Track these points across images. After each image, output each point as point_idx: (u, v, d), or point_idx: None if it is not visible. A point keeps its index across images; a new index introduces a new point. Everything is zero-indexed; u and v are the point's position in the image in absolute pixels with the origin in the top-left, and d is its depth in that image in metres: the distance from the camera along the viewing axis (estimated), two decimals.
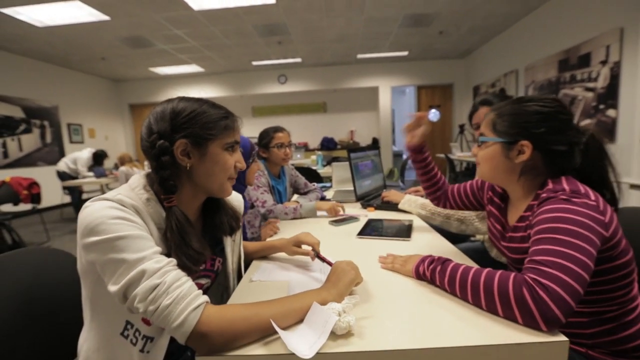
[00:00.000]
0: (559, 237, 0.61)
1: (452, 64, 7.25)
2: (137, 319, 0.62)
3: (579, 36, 3.76)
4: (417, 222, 1.36)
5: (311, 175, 3.14)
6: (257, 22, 4.65)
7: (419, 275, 0.77)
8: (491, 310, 0.60)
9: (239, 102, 7.96)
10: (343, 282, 0.67)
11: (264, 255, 1.03)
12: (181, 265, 0.60)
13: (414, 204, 1.48)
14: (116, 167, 5.20)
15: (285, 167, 1.97)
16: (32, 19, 4.12)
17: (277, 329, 0.54)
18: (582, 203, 0.65)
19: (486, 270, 0.64)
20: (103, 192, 4.43)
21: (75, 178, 5.07)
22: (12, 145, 5.37)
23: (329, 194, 2.12)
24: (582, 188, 0.69)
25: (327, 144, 7.79)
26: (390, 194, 1.66)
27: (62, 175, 5.09)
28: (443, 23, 5.02)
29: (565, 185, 0.70)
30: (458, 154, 5.57)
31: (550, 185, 0.72)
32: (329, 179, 3.07)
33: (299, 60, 6.79)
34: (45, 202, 4.43)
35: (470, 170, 5.45)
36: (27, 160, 5.61)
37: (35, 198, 3.86)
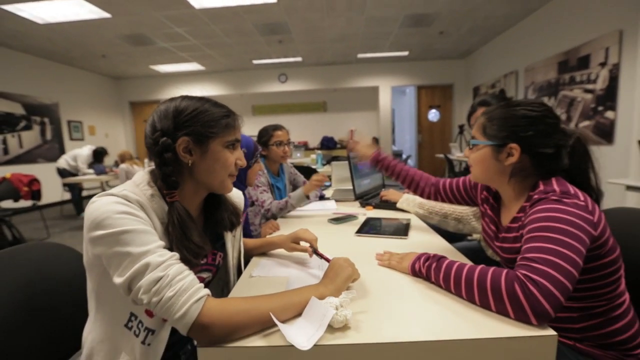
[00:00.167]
0: (550, 235, 0.63)
1: (453, 64, 7.27)
2: (141, 311, 0.64)
3: (579, 38, 3.78)
4: (415, 221, 1.38)
5: (311, 174, 3.15)
6: (258, 21, 4.66)
7: (415, 272, 0.79)
8: (484, 305, 0.62)
9: (239, 100, 7.97)
10: (340, 277, 0.69)
11: (264, 251, 1.04)
12: (183, 259, 0.62)
13: (412, 203, 1.50)
14: (116, 164, 5.22)
15: (284, 165, 1.99)
16: (33, 15, 4.13)
17: (276, 321, 0.56)
18: (572, 203, 0.67)
19: (480, 266, 0.66)
20: (103, 190, 4.45)
21: (75, 175, 5.09)
22: (12, 141, 5.38)
23: (328, 193, 2.14)
24: (572, 189, 0.71)
25: (327, 143, 7.81)
26: (388, 193, 1.67)
27: (62, 172, 5.10)
28: (443, 23, 5.03)
29: (556, 187, 0.72)
30: (457, 155, 5.59)
31: (541, 187, 0.75)
32: (329, 178, 3.09)
33: (299, 59, 6.80)
34: (45, 198, 4.44)
35: (469, 171, 5.46)
36: (27, 157, 5.62)
37: (36, 195, 3.87)
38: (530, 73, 4.74)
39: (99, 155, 5.24)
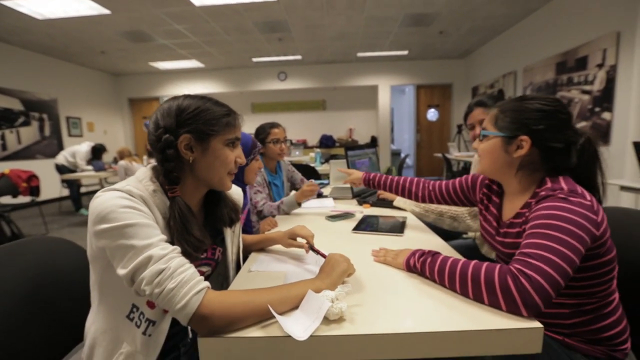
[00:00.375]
0: (550, 232, 0.65)
1: (452, 64, 7.29)
2: (142, 303, 0.66)
3: (577, 39, 3.80)
4: (411, 219, 1.40)
5: (309, 172, 3.18)
6: (258, 19, 4.66)
7: (410, 268, 0.81)
8: (477, 298, 0.64)
9: (238, 98, 7.97)
10: (336, 272, 0.71)
11: (262, 247, 1.07)
12: (183, 252, 0.64)
13: (408, 201, 1.52)
14: (115, 161, 5.22)
15: (281, 162, 2.01)
16: (32, 11, 4.12)
17: (274, 313, 0.58)
18: (578, 202, 0.68)
19: (474, 261, 0.68)
20: (102, 186, 4.45)
21: (74, 171, 5.09)
22: (10, 137, 5.38)
23: (326, 191, 2.16)
24: (579, 189, 0.72)
25: (326, 142, 7.82)
26: (385, 192, 1.69)
27: (61, 169, 5.10)
28: (443, 23, 5.05)
29: (564, 185, 0.74)
30: (455, 154, 5.61)
31: (548, 184, 0.76)
32: (327, 176, 3.11)
33: (299, 57, 6.80)
34: (44, 195, 4.45)
35: (467, 170, 5.50)
36: (25, 153, 5.62)
37: (34, 191, 3.87)
38: (529, 73, 4.77)
39: (97, 152, 5.24)
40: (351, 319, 0.61)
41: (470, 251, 1.43)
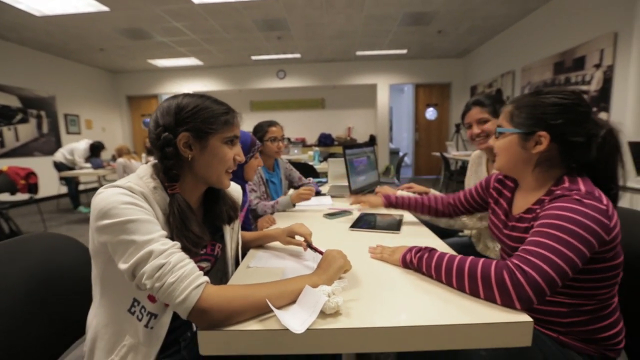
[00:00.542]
0: (555, 232, 0.65)
1: (450, 63, 7.30)
2: (143, 297, 0.68)
3: (575, 39, 3.82)
4: (408, 217, 1.41)
5: (308, 170, 3.20)
6: (257, 17, 4.66)
7: (406, 264, 0.82)
8: (473, 292, 0.66)
9: (237, 96, 7.97)
10: (333, 268, 0.72)
11: (260, 244, 1.08)
12: (183, 248, 0.65)
13: None
14: (113, 158, 5.21)
15: (279, 160, 2.03)
16: (31, 8, 4.11)
17: (272, 307, 0.59)
18: (591, 205, 0.67)
19: (470, 257, 0.70)
20: (100, 184, 4.44)
21: (72, 169, 5.08)
22: (8, 134, 5.36)
23: (324, 189, 2.17)
24: (597, 192, 0.71)
25: (325, 140, 7.83)
26: (383, 190, 1.71)
27: (59, 166, 5.09)
28: (442, 22, 5.06)
29: (582, 186, 0.72)
30: (454, 153, 5.64)
31: (566, 183, 0.74)
32: (325, 174, 3.12)
33: (298, 55, 6.80)
34: (42, 192, 4.44)
35: (465, 169, 5.52)
36: (23, 150, 5.61)
37: (33, 188, 3.87)
38: (527, 73, 4.79)
39: (96, 149, 5.24)
40: (347, 313, 0.62)
41: (465, 249, 1.45)
